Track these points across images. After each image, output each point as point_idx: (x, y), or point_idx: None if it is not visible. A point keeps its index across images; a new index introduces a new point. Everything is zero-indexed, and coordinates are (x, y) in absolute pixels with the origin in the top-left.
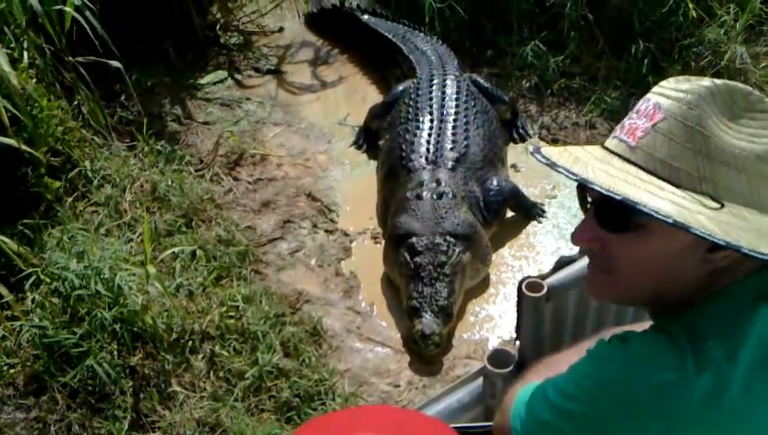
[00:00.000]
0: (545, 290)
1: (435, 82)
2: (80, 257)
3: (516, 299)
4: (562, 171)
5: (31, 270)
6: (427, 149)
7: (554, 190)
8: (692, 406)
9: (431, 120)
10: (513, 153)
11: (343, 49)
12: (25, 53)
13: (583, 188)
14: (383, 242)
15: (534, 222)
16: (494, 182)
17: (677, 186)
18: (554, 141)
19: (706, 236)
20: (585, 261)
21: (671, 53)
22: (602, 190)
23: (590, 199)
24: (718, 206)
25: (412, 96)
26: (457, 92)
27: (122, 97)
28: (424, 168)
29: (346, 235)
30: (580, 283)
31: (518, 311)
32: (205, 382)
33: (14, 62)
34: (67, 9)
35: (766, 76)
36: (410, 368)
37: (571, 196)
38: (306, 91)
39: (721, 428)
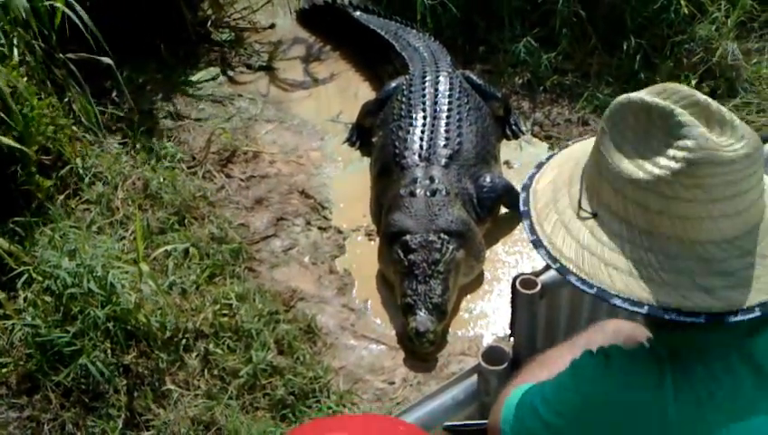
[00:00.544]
0: (539, 287)
1: (427, 78)
2: (72, 255)
3: (510, 296)
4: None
5: (23, 269)
6: (421, 147)
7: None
8: (668, 426)
9: (424, 117)
10: (506, 150)
11: (335, 46)
12: (15, 50)
13: None
14: (377, 239)
15: None
16: (488, 179)
17: (581, 195)
18: (547, 138)
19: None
20: None
21: (663, 49)
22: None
23: None
24: (589, 215)
25: (405, 93)
26: (450, 89)
27: (114, 94)
28: (417, 165)
29: (339, 232)
30: None
31: (512, 308)
32: (199, 381)
33: (3, 60)
34: (57, 5)
35: (758, 72)
36: (405, 365)
37: None
38: (298, 88)
39: None
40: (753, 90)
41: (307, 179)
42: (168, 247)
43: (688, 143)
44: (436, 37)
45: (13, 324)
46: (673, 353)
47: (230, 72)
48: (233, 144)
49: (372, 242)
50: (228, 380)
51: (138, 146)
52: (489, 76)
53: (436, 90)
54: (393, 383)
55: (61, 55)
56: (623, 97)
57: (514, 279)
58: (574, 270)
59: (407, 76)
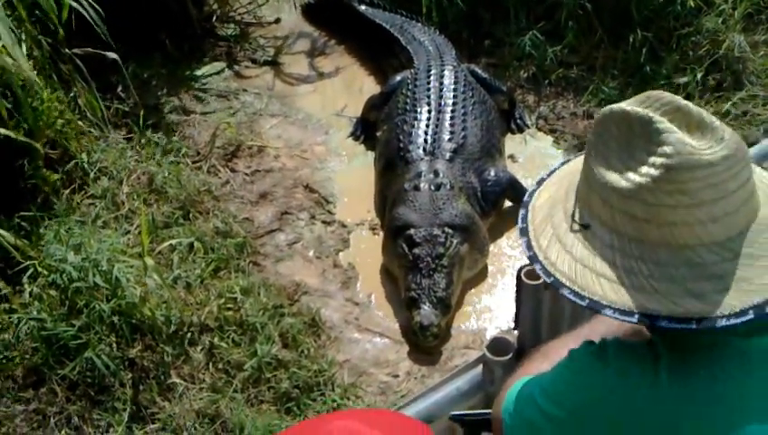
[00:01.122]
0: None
1: (432, 72)
2: (77, 250)
3: (515, 287)
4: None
5: (28, 263)
6: (425, 140)
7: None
8: (659, 422)
9: (429, 111)
10: (511, 144)
11: (340, 40)
12: (23, 45)
13: None
14: (381, 233)
15: None
16: (492, 173)
17: (574, 208)
18: (552, 132)
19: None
20: None
21: (669, 42)
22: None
23: None
24: (580, 227)
25: (410, 87)
26: (455, 83)
27: (119, 89)
28: (422, 159)
29: (344, 226)
30: None
31: (517, 299)
32: (204, 374)
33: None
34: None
35: (765, 65)
36: (409, 358)
37: None
38: (303, 83)
39: None
40: (760, 82)
41: (311, 174)
42: (173, 242)
43: (666, 149)
44: (442, 31)
45: (19, 318)
46: (671, 350)
47: (235, 67)
48: (238, 139)
49: (376, 236)
50: (233, 373)
51: (143, 141)
52: (494, 70)
53: (441, 83)
54: (397, 377)
55: (67, 50)
56: (606, 108)
57: (519, 270)
58: (567, 283)
59: (411, 70)
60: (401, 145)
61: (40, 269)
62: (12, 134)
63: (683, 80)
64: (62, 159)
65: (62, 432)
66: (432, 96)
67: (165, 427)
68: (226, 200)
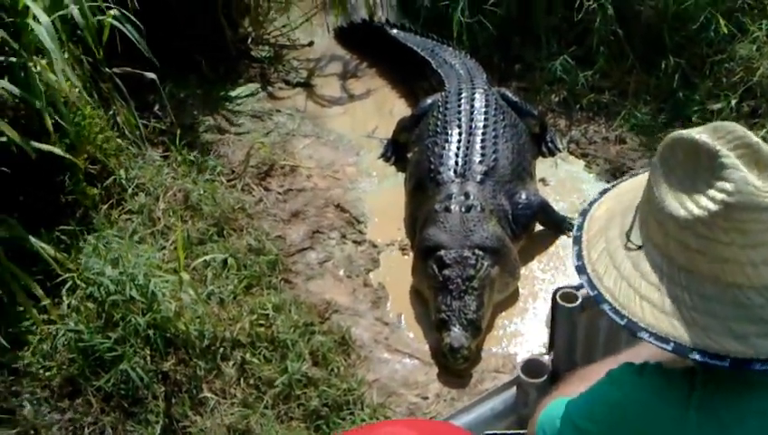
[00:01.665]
0: (580, 300)
1: (463, 95)
2: (114, 263)
3: (550, 309)
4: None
5: (67, 275)
6: (456, 162)
7: (584, 204)
8: None
9: (460, 134)
10: (542, 167)
11: (372, 63)
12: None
13: None
14: (411, 254)
15: (564, 236)
16: (523, 196)
17: (632, 225)
18: (584, 156)
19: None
20: None
21: (702, 68)
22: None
23: None
24: (635, 247)
25: (441, 109)
26: (486, 106)
27: (156, 108)
28: (452, 180)
29: (374, 246)
30: None
31: (552, 320)
32: (235, 389)
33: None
34: (107, 19)
35: None
36: (439, 380)
37: None
38: (335, 104)
39: None
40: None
41: (343, 194)
42: (207, 258)
43: (727, 186)
44: (473, 55)
45: (57, 329)
46: (705, 383)
47: (269, 88)
48: (271, 158)
49: (406, 257)
50: (264, 389)
51: (179, 159)
52: (525, 93)
53: (472, 106)
54: (427, 398)
55: (107, 69)
56: (676, 133)
57: (555, 292)
58: (609, 299)
59: (442, 93)
60: (432, 167)
61: (78, 282)
62: (56, 150)
63: (717, 106)
64: (102, 175)
65: None
66: (463, 118)
67: None
68: (259, 218)
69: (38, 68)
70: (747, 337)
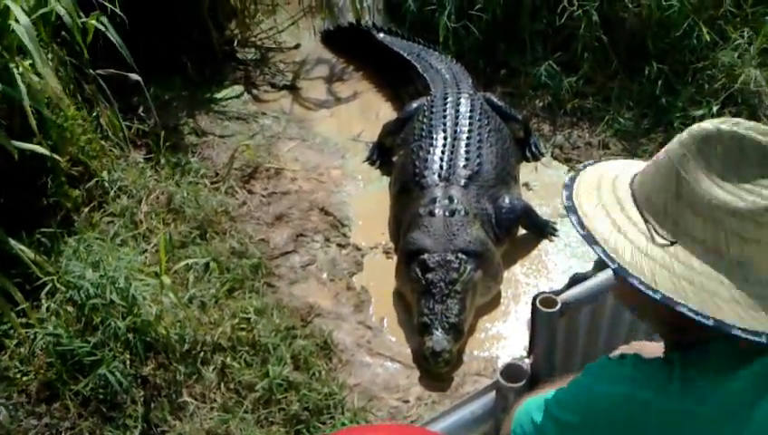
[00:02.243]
0: (559, 305)
1: (449, 99)
2: (95, 267)
3: (530, 314)
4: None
5: (47, 278)
6: (441, 166)
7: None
8: (665, 428)
9: (444, 138)
10: (526, 171)
11: (358, 66)
12: (50, 64)
13: None
14: (395, 257)
15: (546, 241)
16: (507, 200)
17: (646, 221)
18: (567, 160)
19: (633, 282)
20: (598, 278)
21: (685, 75)
22: (576, 228)
23: None
24: (668, 242)
25: (426, 113)
26: (471, 110)
27: (140, 110)
28: (437, 184)
29: (358, 249)
30: (593, 299)
31: (531, 326)
32: (215, 394)
33: (37, 75)
34: (91, 21)
35: None
36: (420, 384)
37: None
38: (321, 107)
39: None
40: None
41: (327, 197)
42: (189, 261)
43: None
44: (458, 59)
45: (35, 333)
46: (685, 364)
47: (254, 91)
48: (255, 161)
49: (390, 260)
50: (244, 393)
51: (162, 161)
52: (510, 98)
53: (457, 111)
54: (408, 402)
55: (91, 71)
56: (710, 126)
57: (535, 297)
58: (680, 301)
59: (428, 97)
60: (417, 170)
61: (58, 285)
62: (39, 148)
63: (698, 112)
64: (84, 177)
65: None
66: (448, 123)
67: None
68: (243, 221)
69: (20, 69)
70: None
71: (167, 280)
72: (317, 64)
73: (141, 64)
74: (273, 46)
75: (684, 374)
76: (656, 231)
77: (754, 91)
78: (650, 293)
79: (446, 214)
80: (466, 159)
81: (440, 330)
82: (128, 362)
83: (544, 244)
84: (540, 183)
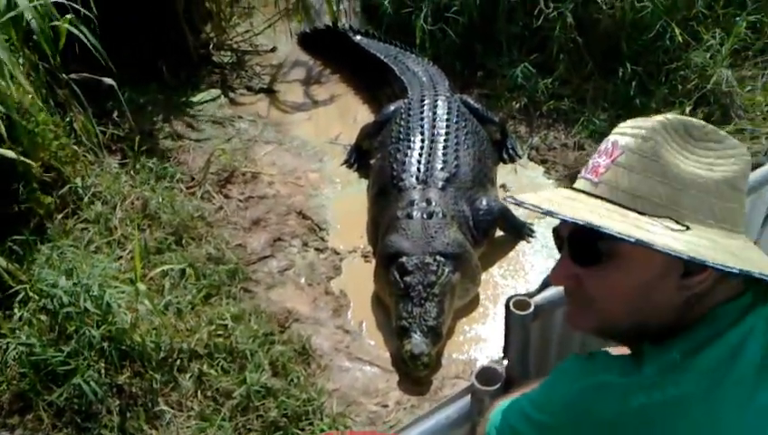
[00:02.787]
0: (532, 308)
1: (426, 102)
2: (69, 274)
3: (504, 317)
4: (529, 207)
5: (19, 287)
6: (418, 169)
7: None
8: (647, 410)
9: (422, 140)
10: (503, 173)
11: (335, 69)
12: (21, 69)
13: (558, 231)
14: (373, 261)
15: (524, 242)
16: (484, 202)
17: (641, 213)
18: (543, 162)
19: (670, 252)
20: None
21: (658, 75)
22: (566, 218)
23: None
24: (683, 228)
25: (403, 116)
26: (448, 113)
27: (115, 114)
28: (414, 187)
29: (336, 253)
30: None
31: (505, 329)
32: (192, 402)
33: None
34: (63, 25)
35: (752, 99)
36: (399, 388)
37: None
38: (298, 110)
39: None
40: (747, 116)
41: (305, 201)
42: (165, 268)
43: (737, 145)
44: (435, 62)
45: (7, 343)
46: (659, 349)
47: (231, 94)
48: (232, 165)
49: (369, 263)
50: (222, 401)
51: (137, 166)
52: (487, 100)
53: (435, 113)
54: (387, 406)
55: (63, 75)
56: (658, 119)
57: (508, 300)
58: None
59: (405, 100)
60: (394, 173)
61: (31, 294)
62: (8, 153)
63: (672, 113)
64: (57, 183)
65: None
66: (425, 125)
67: None
68: (219, 226)
69: None
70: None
71: (142, 287)
72: (294, 67)
73: (116, 68)
74: (250, 49)
75: (656, 358)
76: (657, 221)
77: (726, 91)
78: (675, 254)
79: (424, 216)
80: (444, 162)
81: (419, 333)
82: (103, 371)
83: (522, 245)
84: (517, 185)
